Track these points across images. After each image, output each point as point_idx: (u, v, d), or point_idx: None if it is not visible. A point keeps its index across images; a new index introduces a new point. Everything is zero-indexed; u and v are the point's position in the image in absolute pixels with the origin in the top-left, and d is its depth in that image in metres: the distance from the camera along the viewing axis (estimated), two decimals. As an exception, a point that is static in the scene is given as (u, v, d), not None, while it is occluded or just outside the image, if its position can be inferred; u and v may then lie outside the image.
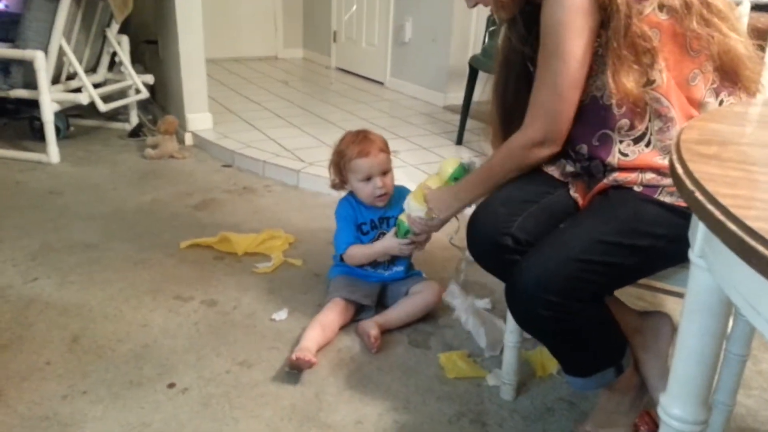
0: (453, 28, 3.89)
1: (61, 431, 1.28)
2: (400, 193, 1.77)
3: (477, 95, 3.08)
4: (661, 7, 1.07)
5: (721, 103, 1.13)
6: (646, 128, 1.12)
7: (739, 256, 0.50)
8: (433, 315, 1.73)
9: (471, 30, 3.93)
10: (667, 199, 1.09)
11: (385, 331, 1.64)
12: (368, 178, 1.69)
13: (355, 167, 1.68)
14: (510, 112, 1.30)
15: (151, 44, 3.56)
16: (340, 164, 1.71)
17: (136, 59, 3.48)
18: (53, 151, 2.84)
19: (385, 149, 1.71)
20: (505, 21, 1.26)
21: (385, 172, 1.70)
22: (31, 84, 2.73)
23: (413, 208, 1.46)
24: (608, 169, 1.16)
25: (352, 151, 1.67)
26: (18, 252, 2.02)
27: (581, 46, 1.08)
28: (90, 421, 1.32)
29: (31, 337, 1.58)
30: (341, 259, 1.74)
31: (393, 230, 1.64)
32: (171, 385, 1.44)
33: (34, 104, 2.81)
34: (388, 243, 1.65)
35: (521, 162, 1.22)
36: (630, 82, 1.08)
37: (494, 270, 1.24)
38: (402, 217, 1.54)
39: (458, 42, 3.93)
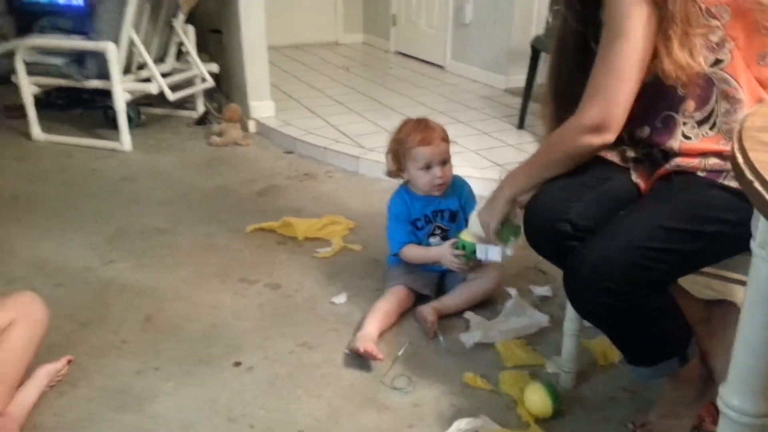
0: (515, 8, 3.81)
1: (135, 404, 1.37)
2: (454, 182, 1.76)
3: (540, 77, 3.02)
4: None
5: (795, 84, 1.08)
6: (712, 110, 1.08)
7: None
8: (491, 301, 1.73)
9: (534, 9, 3.84)
10: (733, 184, 1.05)
11: (443, 317, 1.65)
12: (428, 167, 1.69)
13: (415, 155, 1.68)
14: (565, 96, 1.24)
15: (216, 33, 3.65)
16: (399, 152, 1.71)
17: (202, 48, 3.58)
18: (126, 139, 2.97)
19: (446, 139, 1.70)
20: (564, 1, 1.24)
21: (445, 161, 1.70)
22: (104, 74, 2.86)
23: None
24: (669, 155, 1.13)
25: (413, 139, 1.67)
26: (96, 236, 2.13)
27: (646, 26, 1.04)
28: (162, 395, 1.39)
29: (109, 316, 1.68)
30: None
31: (452, 241, 1.62)
32: (237, 364, 1.50)
33: (107, 94, 2.94)
34: (444, 253, 1.64)
35: (571, 150, 1.15)
36: (685, 56, 1.04)
37: (552, 257, 1.22)
38: (464, 236, 1.51)
39: (520, 22, 3.85)
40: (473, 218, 1.45)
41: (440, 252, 1.67)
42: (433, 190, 1.72)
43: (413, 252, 1.73)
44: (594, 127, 1.10)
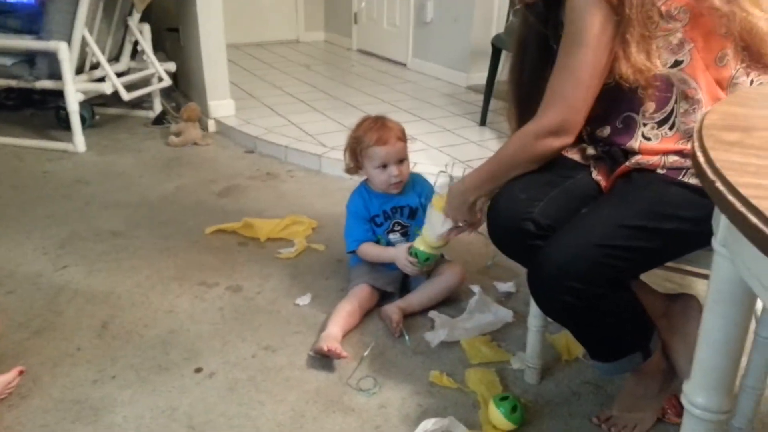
0: (475, 7, 3.83)
1: (92, 414, 1.32)
2: (414, 179, 1.76)
3: (500, 75, 3.03)
4: None
5: (752, 83, 1.09)
6: (672, 110, 1.09)
7: (759, 249, 0.48)
8: (455, 298, 1.73)
9: (494, 8, 3.87)
10: (692, 181, 1.06)
11: (408, 315, 1.64)
12: (384, 166, 1.67)
13: (372, 154, 1.67)
14: (527, 96, 1.25)
15: (173, 32, 3.57)
16: (356, 150, 1.70)
17: (158, 47, 3.49)
18: (79, 140, 2.88)
19: (402, 138, 1.69)
20: (525, 2, 1.24)
21: (402, 160, 1.69)
22: (56, 75, 2.76)
23: (435, 222, 1.47)
24: (630, 153, 1.14)
25: (369, 138, 1.66)
26: (48, 240, 2.06)
27: (606, 32, 1.05)
28: (119, 405, 1.35)
29: (62, 323, 1.62)
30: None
31: (407, 245, 1.62)
32: (198, 370, 1.46)
33: (59, 94, 2.85)
34: (399, 256, 1.64)
35: (531, 152, 1.17)
36: (642, 59, 1.05)
37: (516, 256, 1.22)
38: (418, 244, 1.55)
39: (481, 21, 3.87)
40: (425, 229, 1.51)
41: (396, 254, 1.66)
42: (390, 188, 1.71)
43: (370, 251, 1.72)
44: (553, 131, 1.13)
